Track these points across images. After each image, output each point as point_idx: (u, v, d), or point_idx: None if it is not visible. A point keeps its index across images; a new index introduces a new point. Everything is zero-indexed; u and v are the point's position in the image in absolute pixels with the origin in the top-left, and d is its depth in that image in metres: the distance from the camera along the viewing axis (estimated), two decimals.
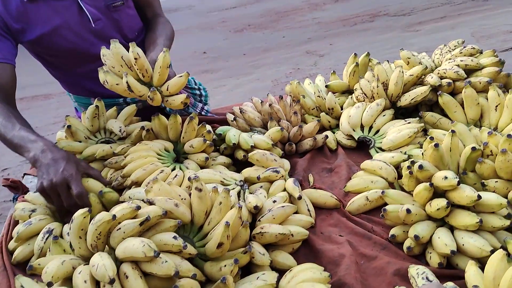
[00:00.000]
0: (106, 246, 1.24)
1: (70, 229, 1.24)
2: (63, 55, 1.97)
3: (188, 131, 1.79)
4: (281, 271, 1.32)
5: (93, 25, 1.94)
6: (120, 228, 1.21)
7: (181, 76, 1.71)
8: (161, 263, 1.14)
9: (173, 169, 1.69)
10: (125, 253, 1.16)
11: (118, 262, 1.18)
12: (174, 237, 1.22)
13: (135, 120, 2.00)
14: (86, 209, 1.24)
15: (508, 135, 1.38)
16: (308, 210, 1.57)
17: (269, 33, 7.61)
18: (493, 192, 1.37)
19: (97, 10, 1.95)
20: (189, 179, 1.49)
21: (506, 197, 1.36)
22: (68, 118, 1.86)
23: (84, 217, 1.23)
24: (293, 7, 8.87)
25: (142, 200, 1.35)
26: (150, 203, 1.30)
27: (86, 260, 1.22)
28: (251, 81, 5.51)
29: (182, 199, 1.38)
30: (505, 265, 1.08)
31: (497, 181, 1.41)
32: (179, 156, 1.81)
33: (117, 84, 1.69)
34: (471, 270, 1.18)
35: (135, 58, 1.65)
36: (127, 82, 1.65)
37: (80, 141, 1.82)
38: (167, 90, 1.72)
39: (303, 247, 1.48)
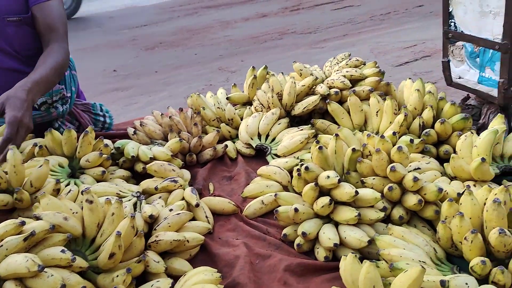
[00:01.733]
0: None
1: None
2: None
3: (83, 145, 1.76)
4: (179, 278, 1.34)
5: None
6: (2, 245, 1.16)
7: (40, 167, 1.51)
8: (46, 277, 1.11)
9: (67, 185, 1.65)
10: (7, 270, 1.12)
11: (1, 280, 1.13)
12: (62, 251, 1.19)
13: (28, 138, 1.92)
14: None
15: (381, 136, 1.53)
16: (206, 216, 1.61)
17: (181, 50, 7.63)
18: (371, 188, 1.50)
19: None
20: (81, 192, 1.47)
21: (382, 192, 1.49)
22: None
23: None
24: (205, 25, 8.98)
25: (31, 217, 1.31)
26: (37, 218, 1.27)
27: None
28: (163, 98, 5.48)
29: (73, 213, 1.36)
30: (357, 266, 1.17)
31: (374, 178, 1.54)
32: (75, 171, 1.77)
33: None
34: (342, 266, 1.25)
35: None
36: None
37: None
38: (32, 186, 1.51)
39: (200, 252, 1.51)
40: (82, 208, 1.38)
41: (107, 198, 1.41)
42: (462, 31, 1.91)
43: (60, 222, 1.27)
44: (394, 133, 1.59)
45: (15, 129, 1.55)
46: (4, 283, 1.12)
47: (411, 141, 1.58)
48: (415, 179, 1.41)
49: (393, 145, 1.54)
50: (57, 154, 1.78)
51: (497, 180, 1.59)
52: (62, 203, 1.35)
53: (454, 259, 1.34)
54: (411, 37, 6.77)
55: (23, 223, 1.21)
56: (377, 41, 6.83)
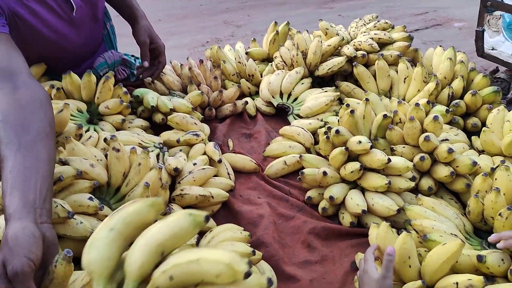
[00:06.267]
0: None
1: None
2: None
3: (103, 91, 1.69)
4: (201, 233, 1.32)
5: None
6: None
7: (61, 111, 1.38)
8: (75, 224, 1.08)
9: (87, 131, 1.59)
10: None
11: None
12: (90, 198, 1.16)
13: (44, 80, 1.84)
14: None
15: (416, 104, 1.48)
16: (228, 173, 1.58)
17: (186, 0, 7.40)
18: (401, 156, 1.47)
19: None
20: (105, 140, 1.43)
21: (412, 161, 1.46)
22: None
23: None
24: None
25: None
26: (63, 163, 1.22)
27: None
28: (168, 48, 5.34)
29: (98, 160, 1.31)
30: (391, 235, 1.16)
31: (404, 147, 1.51)
32: (93, 117, 1.71)
33: None
34: (373, 233, 1.26)
35: None
36: None
37: None
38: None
39: (222, 209, 1.49)
40: (106, 156, 1.33)
41: (133, 148, 1.36)
42: (502, 0, 1.84)
43: (86, 169, 1.23)
44: (428, 102, 1.54)
45: None
46: None
47: (447, 111, 1.54)
48: (450, 151, 1.38)
49: (426, 114, 1.50)
50: (75, 98, 1.71)
51: None
52: (87, 149, 1.31)
53: (482, 233, 1.33)
54: (423, 3, 6.60)
55: None
56: (387, 5, 6.66)
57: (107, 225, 0.77)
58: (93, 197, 1.17)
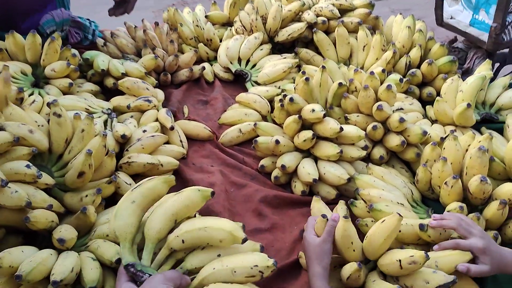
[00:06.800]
0: None
1: None
2: None
3: (49, 53, 1.60)
4: None
5: None
6: None
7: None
8: (10, 193, 1.03)
9: (31, 94, 1.52)
10: None
11: None
12: (27, 166, 1.10)
13: None
14: None
15: (371, 72, 1.46)
16: (181, 141, 1.54)
17: None
18: (355, 125, 1.46)
19: None
20: (47, 104, 1.35)
21: (365, 130, 1.46)
22: None
23: None
24: None
25: None
26: (0, 128, 1.15)
27: None
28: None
29: (39, 125, 1.25)
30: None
31: (358, 116, 1.50)
32: (39, 81, 1.62)
33: None
34: (314, 207, 1.27)
35: None
36: None
37: None
38: None
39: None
40: (48, 122, 1.27)
41: (76, 113, 1.30)
42: None
43: (25, 135, 1.17)
44: (383, 70, 1.52)
45: None
46: None
47: (401, 80, 1.53)
48: (401, 120, 1.38)
49: (381, 83, 1.49)
50: (19, 60, 1.62)
51: (475, 127, 1.58)
52: (27, 114, 1.24)
53: (429, 201, 1.35)
54: None
55: None
56: None
57: (129, 198, 0.96)
58: (30, 164, 1.11)
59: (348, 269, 1.04)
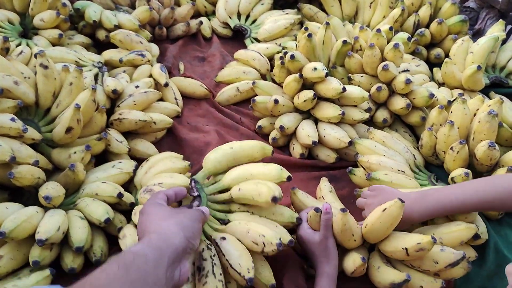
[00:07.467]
0: None
1: None
2: None
3: (37, 1, 1.50)
4: (142, 161, 1.23)
5: None
6: None
7: None
8: None
9: (19, 45, 1.44)
10: None
11: None
12: (12, 119, 1.04)
13: None
14: None
15: (377, 30, 1.38)
16: (175, 98, 1.47)
17: None
18: (358, 86, 1.39)
19: None
20: (35, 55, 1.28)
21: (369, 91, 1.39)
22: None
23: None
24: None
25: None
26: None
27: None
28: None
29: (25, 77, 1.18)
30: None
31: (362, 76, 1.43)
32: (27, 31, 1.53)
33: None
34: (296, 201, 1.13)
35: None
36: None
37: None
38: None
39: (167, 136, 1.40)
40: (35, 74, 1.20)
41: (65, 65, 1.23)
42: None
43: (9, 86, 1.10)
44: (390, 28, 1.44)
45: None
46: None
47: (409, 39, 1.45)
48: (408, 81, 1.31)
49: (387, 42, 1.41)
50: (6, 8, 1.53)
51: (483, 91, 1.52)
52: (12, 65, 1.16)
53: (432, 167, 1.30)
54: None
55: None
56: None
57: (230, 144, 1.06)
58: (15, 117, 1.05)
59: (352, 265, 0.96)
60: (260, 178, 0.98)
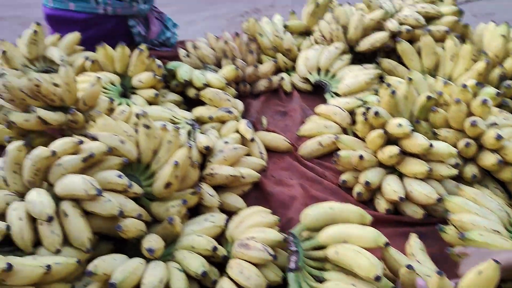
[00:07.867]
0: (45, 182, 1.15)
1: (3, 162, 1.14)
2: None
3: (136, 64, 1.67)
4: (231, 214, 1.29)
5: None
6: (61, 164, 1.11)
7: (93, 86, 1.41)
8: (104, 202, 1.07)
9: (119, 104, 1.58)
10: (64, 190, 1.08)
11: (57, 199, 1.10)
12: (119, 176, 1.14)
13: (79, 50, 1.83)
14: (20, 142, 1.13)
15: (464, 85, 1.38)
16: (261, 152, 1.53)
17: None
18: (444, 141, 1.38)
19: None
20: (136, 115, 1.40)
21: (455, 146, 1.37)
22: (3, 43, 1.66)
23: (19, 151, 1.12)
24: None
25: (85, 135, 1.25)
26: (94, 138, 1.21)
27: (22, 196, 1.12)
28: (204, 18, 5.26)
29: (128, 136, 1.30)
30: None
31: (448, 131, 1.42)
32: (126, 90, 1.69)
33: (26, 121, 1.33)
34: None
35: (36, 86, 1.32)
36: (38, 117, 1.32)
37: (16, 69, 1.64)
38: (85, 105, 1.41)
39: (253, 190, 1.45)
40: (136, 132, 1.31)
41: (163, 124, 1.33)
42: None
43: (116, 145, 1.21)
44: (477, 84, 1.43)
45: None
46: (61, 202, 1.08)
47: (498, 94, 1.43)
48: (499, 137, 1.28)
49: (474, 95, 1.40)
50: (108, 70, 1.70)
51: None
52: (117, 125, 1.29)
53: None
54: None
55: (80, 142, 1.16)
56: None
57: (330, 204, 1.13)
58: (122, 174, 1.15)
59: None
60: (356, 241, 1.00)
